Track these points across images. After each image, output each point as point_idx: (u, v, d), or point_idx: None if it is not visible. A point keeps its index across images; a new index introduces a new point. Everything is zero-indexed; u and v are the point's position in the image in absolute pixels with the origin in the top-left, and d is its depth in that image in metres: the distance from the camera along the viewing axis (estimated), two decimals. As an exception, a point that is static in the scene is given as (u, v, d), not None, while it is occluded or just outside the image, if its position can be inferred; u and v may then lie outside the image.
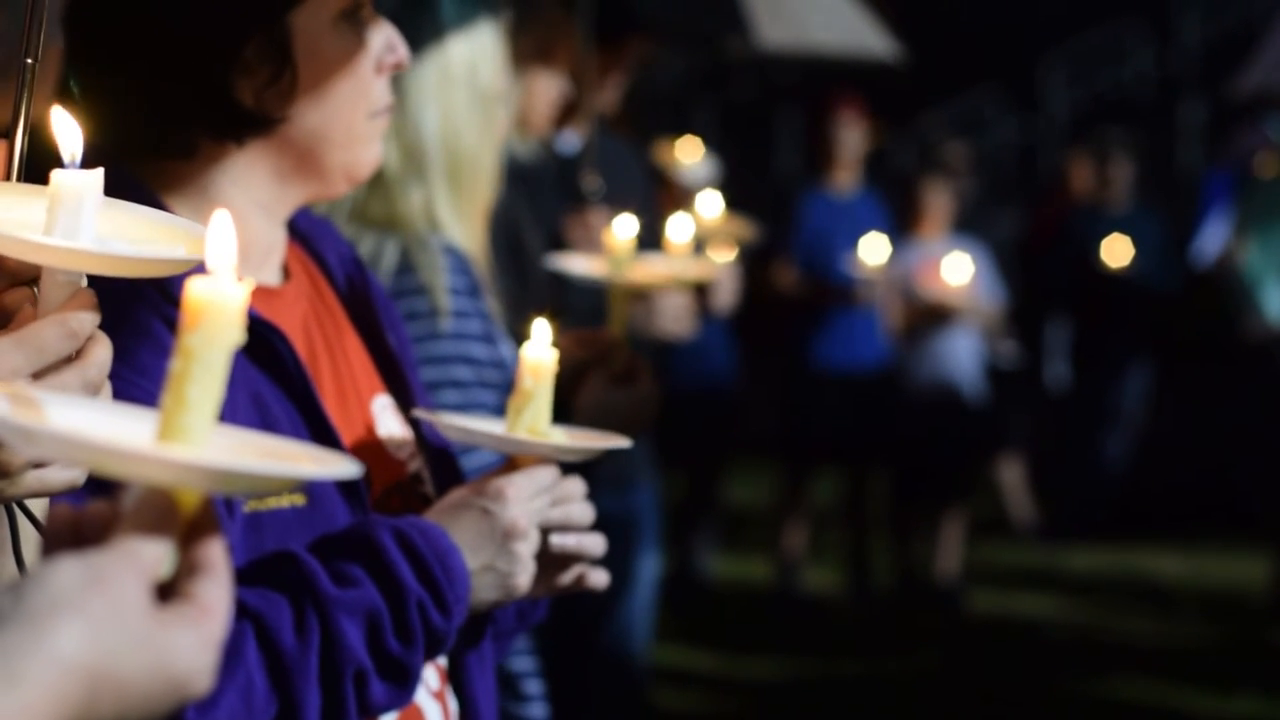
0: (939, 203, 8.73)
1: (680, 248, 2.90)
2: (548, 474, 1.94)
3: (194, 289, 1.03)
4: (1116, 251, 9.68)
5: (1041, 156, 15.67)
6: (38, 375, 1.29)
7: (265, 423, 1.82)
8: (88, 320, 1.31)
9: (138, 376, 1.72)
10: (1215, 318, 9.92)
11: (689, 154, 4.90)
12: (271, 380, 1.86)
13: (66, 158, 1.31)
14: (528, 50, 3.82)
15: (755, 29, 5.53)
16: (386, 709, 1.84)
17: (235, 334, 1.04)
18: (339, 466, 1.11)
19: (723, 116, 16.36)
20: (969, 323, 8.61)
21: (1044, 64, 16.65)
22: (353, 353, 2.05)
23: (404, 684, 1.83)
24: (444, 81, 2.68)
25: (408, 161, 2.66)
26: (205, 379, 1.04)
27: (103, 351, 1.33)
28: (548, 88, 3.94)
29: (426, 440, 2.08)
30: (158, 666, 1.01)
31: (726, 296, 4.85)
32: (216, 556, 1.06)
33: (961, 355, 8.62)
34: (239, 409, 1.79)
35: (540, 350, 1.90)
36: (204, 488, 1.05)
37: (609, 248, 2.85)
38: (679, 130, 9.41)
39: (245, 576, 1.76)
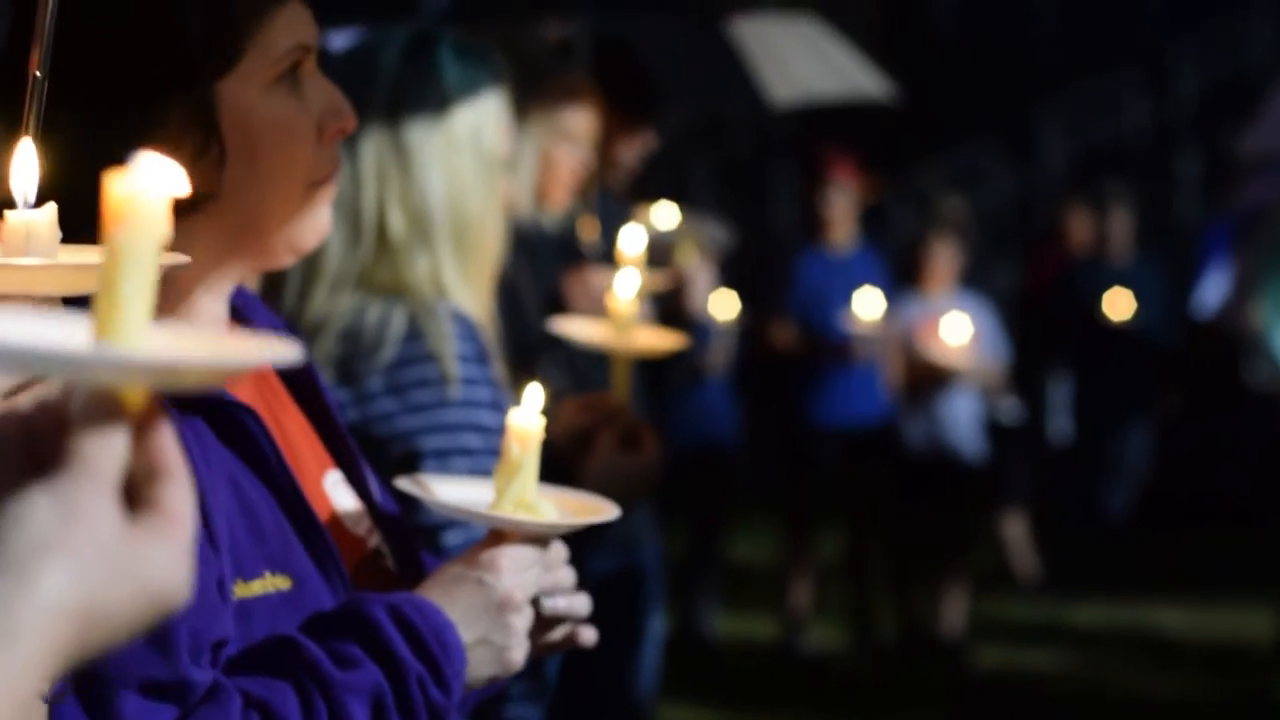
0: (945, 258, 8.69)
1: (635, 259, 2.82)
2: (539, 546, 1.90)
3: (114, 188, 1.01)
4: (1118, 305, 9.66)
5: (1037, 208, 15.67)
6: None
7: (243, 505, 1.75)
8: None
9: None
10: (1218, 369, 9.91)
11: (663, 220, 4.88)
12: (242, 461, 1.79)
13: (19, 199, 1.29)
14: (540, 119, 3.81)
15: (766, 92, 5.55)
16: None
17: (163, 227, 1.02)
18: (280, 350, 1.08)
19: (719, 172, 16.37)
20: (969, 383, 8.57)
21: (1039, 115, 16.68)
22: (297, 429, 1.98)
23: None
24: (448, 146, 2.67)
25: (414, 228, 2.64)
26: (137, 275, 1.01)
27: None
28: (566, 157, 3.92)
29: (379, 510, 2.02)
30: (139, 589, 1.01)
31: (703, 292, 4.85)
32: (172, 455, 1.04)
33: (960, 418, 8.58)
34: (220, 492, 1.73)
35: (528, 417, 1.84)
36: (150, 383, 1.03)
37: (611, 311, 2.83)
38: (674, 187, 9.42)
39: (244, 664, 1.71)
